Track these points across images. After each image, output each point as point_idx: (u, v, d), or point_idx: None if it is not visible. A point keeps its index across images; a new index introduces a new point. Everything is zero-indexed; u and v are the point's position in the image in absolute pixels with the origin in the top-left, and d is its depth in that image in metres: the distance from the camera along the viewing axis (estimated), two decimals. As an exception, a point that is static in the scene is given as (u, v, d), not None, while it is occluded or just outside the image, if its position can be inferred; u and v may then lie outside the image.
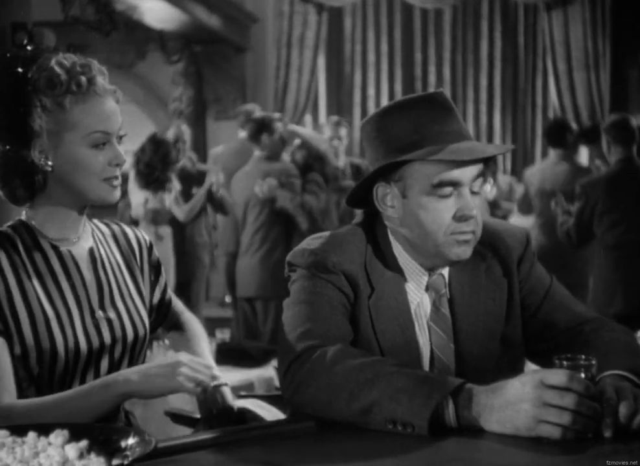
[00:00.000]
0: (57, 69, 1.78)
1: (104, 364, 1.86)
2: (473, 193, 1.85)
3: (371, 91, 9.90)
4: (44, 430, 1.38)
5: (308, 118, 9.65)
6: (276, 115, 6.35)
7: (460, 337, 1.91)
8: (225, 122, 7.95)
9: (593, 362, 1.61)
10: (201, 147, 8.80)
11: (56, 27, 5.47)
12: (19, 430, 1.38)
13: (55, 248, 1.86)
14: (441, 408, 1.57)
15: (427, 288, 1.92)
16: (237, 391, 3.87)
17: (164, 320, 2.10)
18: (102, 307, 1.88)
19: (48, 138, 1.78)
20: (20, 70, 1.79)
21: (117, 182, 1.85)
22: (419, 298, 1.91)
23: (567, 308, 1.97)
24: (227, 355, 4.47)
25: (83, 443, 1.34)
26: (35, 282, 1.81)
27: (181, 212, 6.11)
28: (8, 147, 1.80)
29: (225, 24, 8.35)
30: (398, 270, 1.91)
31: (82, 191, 1.83)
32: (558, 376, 1.52)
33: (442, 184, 1.82)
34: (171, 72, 8.46)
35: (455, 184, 1.82)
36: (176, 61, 8.53)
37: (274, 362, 4.36)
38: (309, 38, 9.41)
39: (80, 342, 1.81)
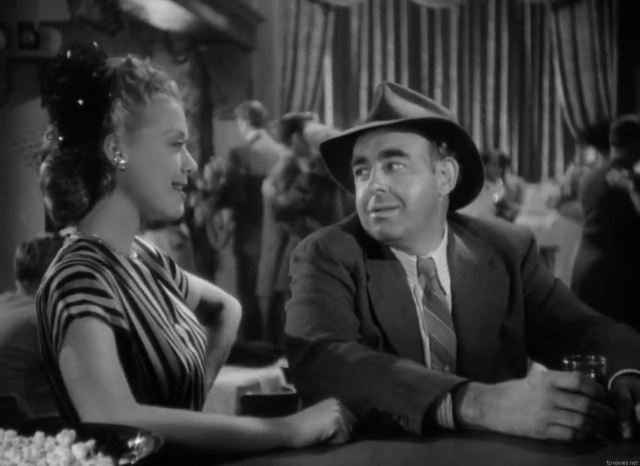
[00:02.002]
0: (136, 62, 1.72)
1: (204, 375, 1.78)
2: (390, 168, 1.90)
3: (377, 91, 9.89)
4: (51, 429, 1.38)
5: (314, 117, 9.64)
6: (307, 114, 6.36)
7: (460, 326, 1.92)
8: (231, 121, 7.92)
9: (603, 362, 1.61)
10: (207, 147, 8.80)
11: (62, 27, 5.47)
12: (26, 430, 1.38)
13: (131, 262, 1.75)
14: (439, 405, 1.58)
15: (418, 273, 1.95)
16: (243, 391, 3.88)
17: None
18: (176, 320, 1.78)
19: (125, 133, 1.68)
20: (100, 63, 1.70)
21: (184, 195, 1.75)
22: (413, 282, 1.94)
23: (571, 305, 1.99)
24: (233, 355, 4.47)
25: (90, 443, 1.34)
26: (138, 300, 1.69)
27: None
28: (80, 142, 1.67)
29: (231, 24, 8.34)
30: (392, 256, 1.96)
31: (151, 195, 1.71)
32: (569, 379, 1.52)
33: (355, 162, 1.95)
34: (178, 72, 8.45)
35: (362, 161, 1.94)
36: (182, 61, 8.53)
37: (280, 362, 4.36)
38: (315, 38, 9.41)
39: (187, 356, 1.72)
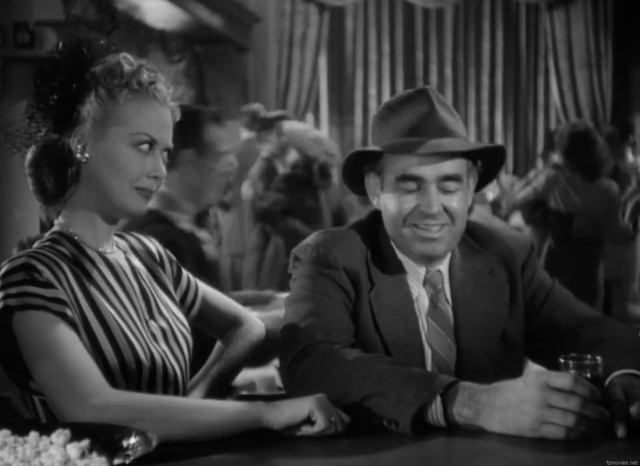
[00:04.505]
0: (123, 62, 1.72)
1: (178, 374, 1.80)
2: (445, 191, 1.86)
3: (372, 91, 9.89)
4: (46, 429, 1.38)
5: (309, 117, 9.64)
6: (279, 112, 6.30)
7: (460, 335, 1.92)
8: (227, 121, 7.94)
9: (599, 361, 1.61)
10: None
11: (58, 27, 5.47)
12: (20, 429, 1.38)
13: (102, 256, 1.77)
14: (429, 406, 1.58)
15: (424, 283, 1.94)
16: (238, 390, 3.87)
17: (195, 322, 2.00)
18: (152, 316, 1.80)
19: (92, 128, 1.70)
20: (85, 51, 1.72)
21: (149, 195, 1.75)
22: (417, 292, 1.93)
23: (568, 308, 1.99)
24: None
25: (85, 442, 1.34)
26: (99, 293, 1.71)
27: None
28: (47, 129, 1.71)
29: (227, 23, 8.34)
30: (398, 265, 1.94)
31: (110, 194, 1.72)
32: (563, 379, 1.52)
33: (404, 178, 1.86)
34: (173, 71, 8.44)
35: (417, 180, 1.86)
36: (178, 60, 8.52)
37: (275, 362, 4.35)
38: (310, 37, 9.41)
39: (154, 352, 1.74)
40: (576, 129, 5.54)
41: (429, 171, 1.85)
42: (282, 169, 5.89)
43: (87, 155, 1.71)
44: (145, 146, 1.72)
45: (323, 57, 9.74)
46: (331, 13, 9.61)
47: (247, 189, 5.90)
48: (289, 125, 6.02)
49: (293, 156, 5.92)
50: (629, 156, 6.52)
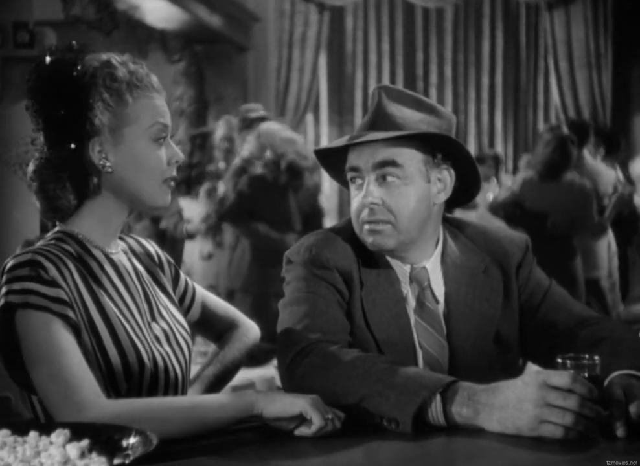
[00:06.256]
0: (115, 62, 1.72)
1: (179, 376, 1.80)
2: (383, 180, 1.89)
3: (372, 91, 9.89)
4: (45, 429, 1.38)
5: (309, 117, 9.64)
6: (260, 113, 6.21)
7: (453, 334, 1.93)
8: (226, 121, 7.92)
9: (597, 361, 1.61)
10: (202, 147, 8.78)
11: (57, 26, 5.47)
12: (20, 429, 1.38)
13: (107, 256, 1.77)
14: (429, 405, 1.58)
15: (411, 281, 1.95)
16: (238, 390, 3.87)
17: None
18: (154, 318, 1.80)
19: (109, 135, 1.70)
20: (78, 66, 1.70)
21: (173, 185, 1.77)
22: (406, 289, 1.94)
23: (566, 308, 1.99)
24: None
25: (85, 442, 1.34)
26: (104, 293, 1.71)
27: None
28: (64, 146, 1.70)
29: (227, 23, 8.34)
30: (387, 263, 1.95)
31: (140, 193, 1.73)
32: (561, 377, 1.52)
33: (349, 170, 1.94)
34: (173, 71, 8.44)
35: (355, 169, 1.92)
36: (177, 60, 8.52)
37: (275, 362, 4.36)
38: (310, 37, 9.40)
39: (156, 353, 1.74)
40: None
41: (363, 160, 1.90)
42: (260, 170, 5.80)
43: (109, 163, 1.71)
44: (163, 136, 1.74)
45: (323, 57, 9.74)
46: (331, 13, 9.61)
47: (221, 187, 5.84)
48: (266, 125, 5.95)
49: (268, 156, 5.86)
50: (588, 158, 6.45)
